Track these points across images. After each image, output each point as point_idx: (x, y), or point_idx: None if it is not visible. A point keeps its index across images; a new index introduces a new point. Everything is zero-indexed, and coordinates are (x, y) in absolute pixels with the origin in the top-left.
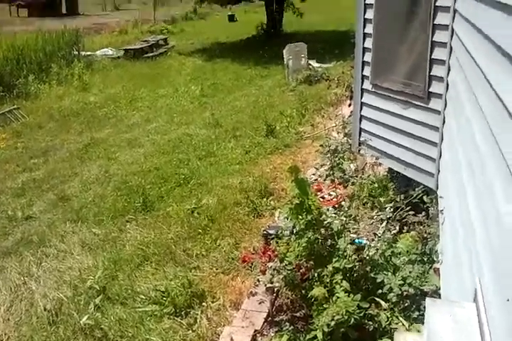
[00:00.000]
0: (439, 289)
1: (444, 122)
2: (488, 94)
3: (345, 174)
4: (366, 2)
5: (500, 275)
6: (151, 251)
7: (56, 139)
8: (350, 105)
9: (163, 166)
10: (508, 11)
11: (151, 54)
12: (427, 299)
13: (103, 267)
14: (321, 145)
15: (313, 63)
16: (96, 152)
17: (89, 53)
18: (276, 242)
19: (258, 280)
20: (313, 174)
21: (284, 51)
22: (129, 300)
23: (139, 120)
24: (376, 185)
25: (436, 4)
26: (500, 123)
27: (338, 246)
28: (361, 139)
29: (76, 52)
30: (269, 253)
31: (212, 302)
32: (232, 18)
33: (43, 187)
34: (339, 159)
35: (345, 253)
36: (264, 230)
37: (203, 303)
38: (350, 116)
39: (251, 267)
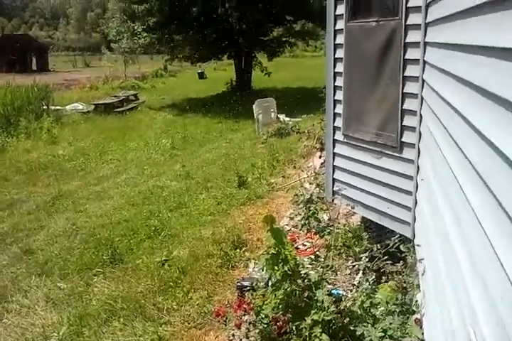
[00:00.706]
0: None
1: (418, 171)
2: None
3: (320, 224)
4: (336, 56)
5: (502, 327)
6: (119, 306)
7: (23, 192)
8: (321, 157)
9: (133, 218)
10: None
11: (121, 109)
12: None
13: (68, 323)
14: (296, 195)
15: (283, 117)
16: (63, 204)
17: (58, 108)
18: (252, 294)
19: (233, 335)
20: (287, 224)
21: (254, 106)
22: None
23: (109, 172)
24: (350, 235)
25: (406, 57)
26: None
27: (316, 298)
28: (335, 189)
29: (45, 107)
30: (244, 306)
31: None
32: (201, 76)
33: (7, 241)
34: (314, 209)
35: (323, 305)
36: (238, 282)
37: None
38: (321, 167)
39: (225, 321)
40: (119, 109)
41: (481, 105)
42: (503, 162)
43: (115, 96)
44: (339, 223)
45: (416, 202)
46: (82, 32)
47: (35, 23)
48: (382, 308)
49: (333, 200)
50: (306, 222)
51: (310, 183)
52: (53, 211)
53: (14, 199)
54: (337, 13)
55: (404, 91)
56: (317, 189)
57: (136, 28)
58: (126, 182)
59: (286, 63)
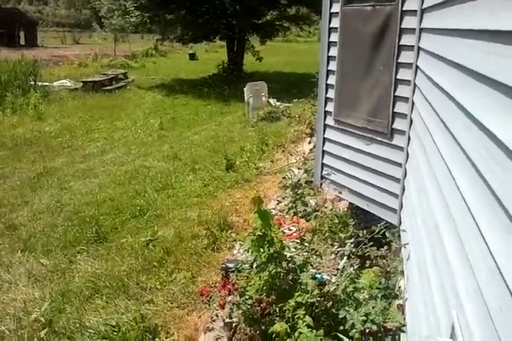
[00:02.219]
0: (403, 326)
1: (407, 158)
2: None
3: (306, 208)
4: (330, 40)
5: (486, 311)
6: (103, 284)
7: (7, 167)
8: (310, 142)
9: (119, 197)
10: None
11: (109, 87)
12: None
13: (50, 299)
14: (284, 178)
15: (274, 101)
16: (48, 181)
17: (46, 84)
18: (236, 276)
19: (216, 316)
20: (274, 208)
21: (245, 89)
22: (76, 335)
23: (95, 151)
24: (337, 221)
25: (401, 43)
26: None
27: (300, 281)
28: (323, 173)
29: (32, 82)
30: (228, 286)
31: (166, 337)
32: (193, 57)
33: None
34: (302, 193)
35: (307, 288)
36: (223, 264)
37: (156, 339)
38: (310, 152)
39: (209, 301)
40: (107, 88)
41: (475, 89)
42: (498, 148)
43: (104, 74)
44: (326, 207)
45: (404, 189)
46: (72, 8)
47: None
48: (365, 293)
49: (321, 185)
50: (293, 205)
51: (298, 168)
52: (38, 187)
53: None
54: None
55: (397, 77)
56: (305, 174)
57: (128, 5)
58: (113, 161)
59: (279, 47)
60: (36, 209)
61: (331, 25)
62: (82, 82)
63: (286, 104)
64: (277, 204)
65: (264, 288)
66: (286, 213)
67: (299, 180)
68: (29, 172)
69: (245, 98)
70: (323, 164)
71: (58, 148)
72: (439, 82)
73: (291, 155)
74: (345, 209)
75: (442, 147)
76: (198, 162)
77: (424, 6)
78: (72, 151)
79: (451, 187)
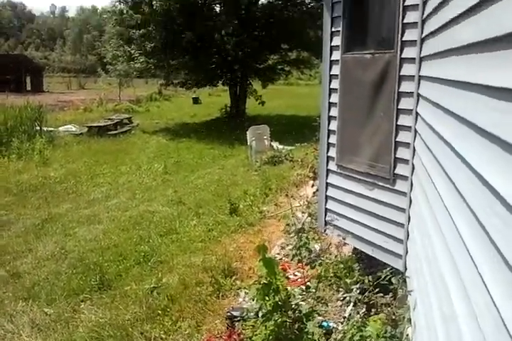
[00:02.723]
0: None
1: (410, 204)
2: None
3: (311, 254)
4: (331, 87)
5: None
6: (106, 333)
7: (12, 213)
8: (313, 186)
9: (123, 243)
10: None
11: (114, 131)
12: None
13: None
14: (287, 225)
15: (276, 145)
16: (53, 227)
17: (51, 129)
18: (242, 325)
19: None
20: (278, 253)
21: (248, 133)
22: None
23: (100, 196)
24: (342, 266)
25: (400, 90)
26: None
27: (306, 330)
28: (327, 219)
29: (38, 128)
30: (234, 337)
31: None
32: (196, 101)
33: None
34: (306, 238)
35: (314, 338)
36: (228, 312)
37: None
38: (313, 196)
39: None
40: (112, 132)
41: (475, 142)
42: (500, 203)
43: (109, 119)
44: (330, 253)
45: (408, 235)
46: (78, 54)
47: (32, 44)
48: None
49: (325, 230)
50: (298, 252)
51: (302, 212)
52: (42, 234)
53: (3, 220)
54: (333, 44)
55: (397, 123)
56: (309, 218)
57: (132, 52)
58: (117, 207)
59: (281, 90)
60: (40, 256)
61: (331, 73)
62: (87, 126)
63: (289, 147)
64: (281, 249)
65: (270, 337)
66: (291, 259)
67: (302, 225)
68: (34, 219)
69: (248, 141)
70: (326, 209)
71: (63, 194)
72: (440, 130)
73: (294, 199)
74: (350, 254)
75: (445, 196)
76: (202, 206)
77: (423, 54)
78: (76, 197)
79: (455, 237)
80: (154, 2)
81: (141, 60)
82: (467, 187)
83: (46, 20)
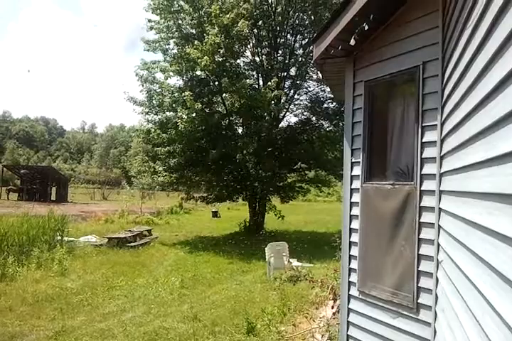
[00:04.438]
0: None
1: (435, 334)
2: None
3: None
4: (352, 213)
5: None
6: None
7: (26, 324)
8: (333, 307)
9: None
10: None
11: (134, 243)
12: None
13: None
14: None
15: (295, 262)
16: None
17: (72, 239)
18: None
19: None
20: None
21: (266, 249)
22: None
23: (115, 309)
24: None
25: (421, 220)
26: None
27: None
28: None
29: (59, 238)
30: None
31: None
32: (215, 214)
33: None
34: None
35: None
36: None
37: None
38: (333, 318)
39: None
40: (131, 244)
41: (497, 285)
42: None
43: (129, 231)
44: None
45: None
46: (103, 167)
47: (60, 156)
48: None
49: None
50: None
51: (322, 335)
52: None
53: (16, 331)
54: (353, 173)
55: (419, 252)
56: None
57: (157, 168)
58: (132, 321)
59: (299, 206)
60: None
61: (352, 200)
62: (107, 238)
63: (307, 265)
64: None
65: None
66: None
67: None
68: (47, 331)
69: (266, 257)
70: (348, 336)
71: (79, 306)
72: (458, 263)
73: (313, 320)
74: None
75: (468, 331)
76: (218, 324)
77: (442, 188)
78: (92, 309)
79: None
80: (180, 124)
81: (164, 174)
82: (494, 331)
83: (76, 135)
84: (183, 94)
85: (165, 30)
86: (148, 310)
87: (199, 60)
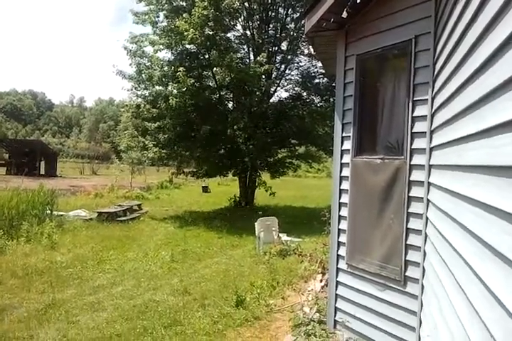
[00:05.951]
0: None
1: (421, 307)
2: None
3: None
4: (341, 188)
5: None
6: None
7: (15, 298)
8: (322, 280)
9: (126, 333)
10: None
11: (123, 218)
12: None
13: None
14: (293, 318)
15: (284, 237)
16: (56, 314)
17: (62, 213)
18: None
19: None
20: None
21: (256, 224)
22: None
23: (105, 282)
24: None
25: (410, 194)
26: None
27: None
28: (337, 319)
29: (49, 212)
30: None
31: None
32: (205, 189)
33: None
34: (314, 336)
35: None
36: None
37: None
38: (321, 291)
39: None
40: (121, 218)
41: (487, 257)
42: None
43: (119, 205)
44: None
45: (419, 339)
46: (92, 141)
47: (49, 130)
48: None
49: (334, 329)
50: None
51: (310, 307)
52: (45, 320)
53: (6, 304)
54: (343, 148)
55: (408, 226)
56: (317, 314)
57: (146, 143)
58: (122, 294)
59: (289, 181)
60: None
61: (342, 174)
62: (97, 212)
63: (297, 239)
64: None
65: None
66: None
67: (310, 322)
68: (37, 304)
69: (256, 232)
70: (336, 308)
71: (68, 279)
72: (446, 236)
73: (302, 293)
74: None
75: (456, 303)
76: (208, 297)
77: (432, 162)
78: (81, 282)
79: None
80: (170, 98)
81: (154, 150)
82: (483, 305)
83: (64, 109)
84: (178, 69)
85: (154, 1)
86: (138, 284)
87: (186, 32)
